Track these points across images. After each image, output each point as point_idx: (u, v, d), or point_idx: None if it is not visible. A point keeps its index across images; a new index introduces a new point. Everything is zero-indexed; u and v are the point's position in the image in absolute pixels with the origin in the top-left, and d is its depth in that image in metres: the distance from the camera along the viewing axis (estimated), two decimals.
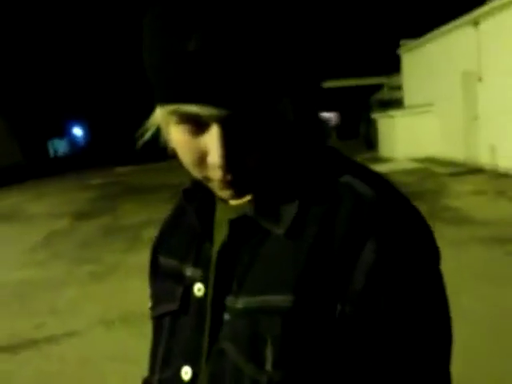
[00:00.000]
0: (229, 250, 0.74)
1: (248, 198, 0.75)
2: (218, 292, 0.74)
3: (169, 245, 0.87)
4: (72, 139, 47.71)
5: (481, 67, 12.28)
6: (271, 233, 0.71)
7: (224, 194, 0.72)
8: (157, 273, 0.90)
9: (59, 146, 44.70)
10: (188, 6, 0.61)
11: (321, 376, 0.65)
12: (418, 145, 15.03)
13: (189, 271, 0.80)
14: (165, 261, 0.86)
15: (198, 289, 0.77)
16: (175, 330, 0.80)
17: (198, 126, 0.66)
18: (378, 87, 21.98)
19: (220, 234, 0.77)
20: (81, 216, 11.66)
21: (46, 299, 6.00)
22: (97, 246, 8.56)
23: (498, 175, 11.21)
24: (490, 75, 11.95)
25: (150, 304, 0.88)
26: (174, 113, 0.66)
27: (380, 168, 12.42)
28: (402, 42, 18.11)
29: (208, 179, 0.71)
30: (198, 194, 0.82)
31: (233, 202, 0.78)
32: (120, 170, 23.75)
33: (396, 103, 18.64)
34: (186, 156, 0.70)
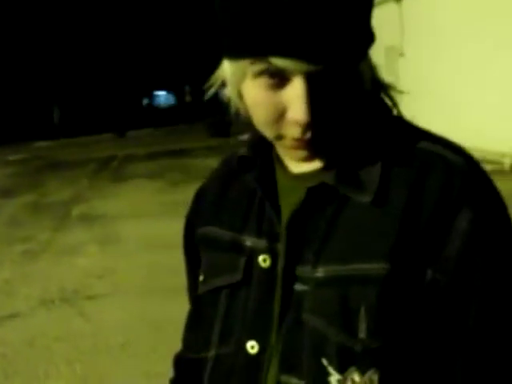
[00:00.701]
0: (301, 218, 0.71)
1: (317, 164, 0.73)
2: (290, 262, 0.70)
3: (217, 215, 0.82)
4: None
5: (403, 43, 12.68)
6: (350, 199, 0.69)
7: (297, 154, 0.70)
8: (196, 245, 0.86)
9: None
10: None
11: (413, 341, 0.66)
12: None
13: (249, 241, 0.76)
14: (214, 231, 0.82)
15: (264, 259, 0.73)
16: (235, 304, 0.76)
17: (279, 79, 0.64)
18: None
19: (287, 203, 0.73)
20: (3, 193, 11.10)
21: None
22: (25, 224, 8.23)
23: None
24: (411, 51, 12.37)
25: (201, 277, 0.83)
26: (255, 65, 0.63)
27: None
28: None
29: (281, 137, 0.68)
30: (256, 161, 0.77)
31: (297, 169, 0.75)
32: (39, 144, 22.77)
33: None
34: (261, 112, 0.67)
